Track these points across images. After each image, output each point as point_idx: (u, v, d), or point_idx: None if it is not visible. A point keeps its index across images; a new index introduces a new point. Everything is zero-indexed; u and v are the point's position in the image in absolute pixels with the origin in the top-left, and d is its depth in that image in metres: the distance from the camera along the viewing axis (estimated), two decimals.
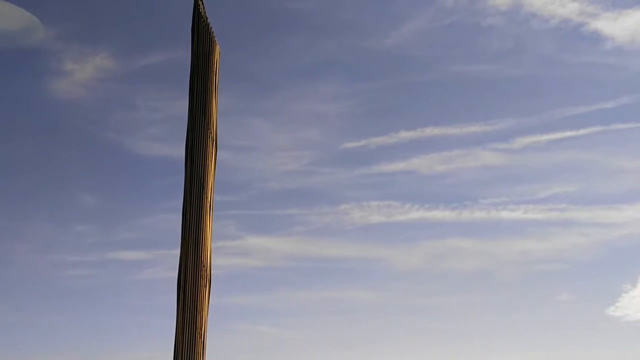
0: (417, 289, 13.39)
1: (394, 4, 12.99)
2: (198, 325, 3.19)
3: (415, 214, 13.26)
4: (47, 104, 12.67)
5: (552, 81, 13.46)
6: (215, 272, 3.33)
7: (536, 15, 12.69)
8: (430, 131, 13.25)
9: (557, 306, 13.16)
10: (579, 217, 13.17)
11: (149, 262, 13.04)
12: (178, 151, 3.37)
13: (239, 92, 12.64)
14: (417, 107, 13.72)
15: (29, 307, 12.73)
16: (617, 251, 13.30)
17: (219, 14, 3.64)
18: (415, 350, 12.87)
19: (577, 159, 13.40)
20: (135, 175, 13.27)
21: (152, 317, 12.51)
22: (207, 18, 3.50)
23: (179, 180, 3.38)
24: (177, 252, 3.30)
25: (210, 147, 3.42)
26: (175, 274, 3.27)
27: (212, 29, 3.51)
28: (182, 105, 3.47)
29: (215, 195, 3.41)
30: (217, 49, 3.53)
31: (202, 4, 3.51)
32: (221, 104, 3.53)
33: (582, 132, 12.98)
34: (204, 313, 3.24)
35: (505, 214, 13.16)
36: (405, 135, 13.16)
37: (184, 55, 3.52)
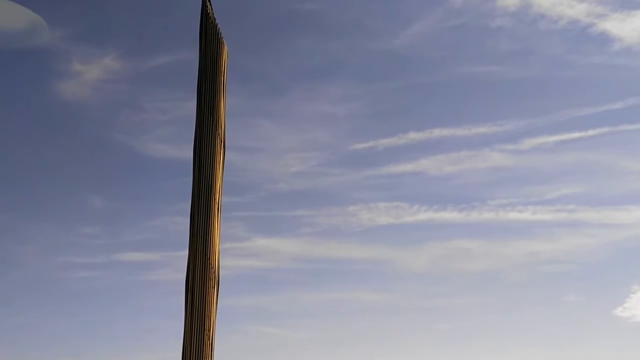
0: (424, 290, 13.37)
1: (402, 5, 12.98)
2: (206, 326, 3.19)
3: (423, 215, 13.24)
4: (54, 105, 12.71)
5: (560, 82, 13.42)
6: (224, 274, 3.33)
7: (544, 16, 12.66)
8: (438, 132, 13.24)
9: (565, 307, 13.12)
10: (587, 218, 13.14)
11: (157, 264, 13.06)
12: (186, 152, 3.37)
13: (247, 94, 12.65)
14: (425, 108, 13.71)
15: (38, 309, 12.76)
16: (624, 252, 13.25)
17: (227, 15, 3.64)
18: (423, 351, 12.85)
19: (585, 160, 13.36)
20: (143, 176, 13.30)
21: (160, 319, 12.53)
22: (215, 19, 3.50)
23: (187, 181, 3.38)
24: (186, 253, 3.30)
25: (218, 148, 3.42)
26: (183, 276, 3.27)
27: (220, 30, 3.51)
28: (190, 107, 3.47)
29: (223, 196, 3.41)
30: (225, 50, 3.53)
31: (210, 5, 3.51)
32: (229, 105, 3.53)
33: (590, 133, 12.94)
34: (213, 314, 3.23)
35: (513, 215, 13.13)
36: (413, 136, 13.14)
37: (192, 56, 3.52)
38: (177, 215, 12.43)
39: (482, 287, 13.33)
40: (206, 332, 3.18)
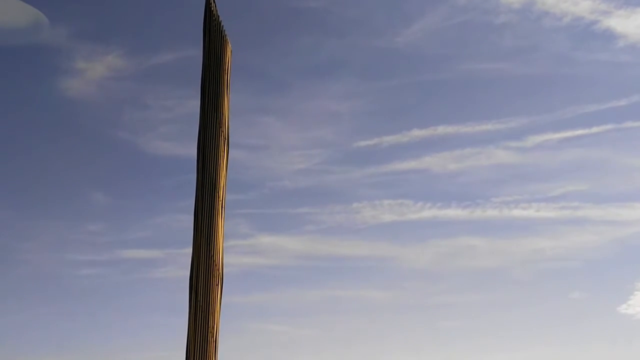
0: (429, 288, 13.37)
1: (405, 2, 12.98)
2: (210, 323, 3.20)
3: (428, 212, 13.24)
4: (58, 103, 12.73)
5: (565, 79, 13.42)
6: (227, 271, 3.33)
7: (549, 13, 12.64)
8: (442, 130, 13.24)
9: (569, 304, 13.13)
10: (591, 215, 13.13)
11: (161, 261, 13.09)
12: (190, 150, 3.37)
13: (251, 91, 12.66)
14: (429, 105, 13.71)
15: (42, 305, 12.79)
16: (629, 249, 13.25)
17: (231, 13, 3.64)
18: (428, 348, 12.86)
19: (589, 157, 13.35)
20: (147, 174, 13.32)
21: (164, 316, 12.55)
22: (219, 17, 3.50)
23: (190, 179, 3.38)
24: (189, 251, 3.30)
25: (222, 145, 3.42)
26: (187, 273, 3.28)
27: (224, 28, 3.51)
28: (194, 104, 3.47)
29: (227, 194, 3.41)
30: (229, 47, 3.53)
31: (214, 2, 3.50)
32: (233, 102, 3.53)
33: (594, 130, 12.94)
34: (216, 312, 3.24)
35: (517, 212, 13.13)
36: (417, 133, 13.15)
37: (195, 54, 3.53)
38: (181, 212, 12.46)
39: (487, 285, 13.34)
40: (210, 329, 3.19)
